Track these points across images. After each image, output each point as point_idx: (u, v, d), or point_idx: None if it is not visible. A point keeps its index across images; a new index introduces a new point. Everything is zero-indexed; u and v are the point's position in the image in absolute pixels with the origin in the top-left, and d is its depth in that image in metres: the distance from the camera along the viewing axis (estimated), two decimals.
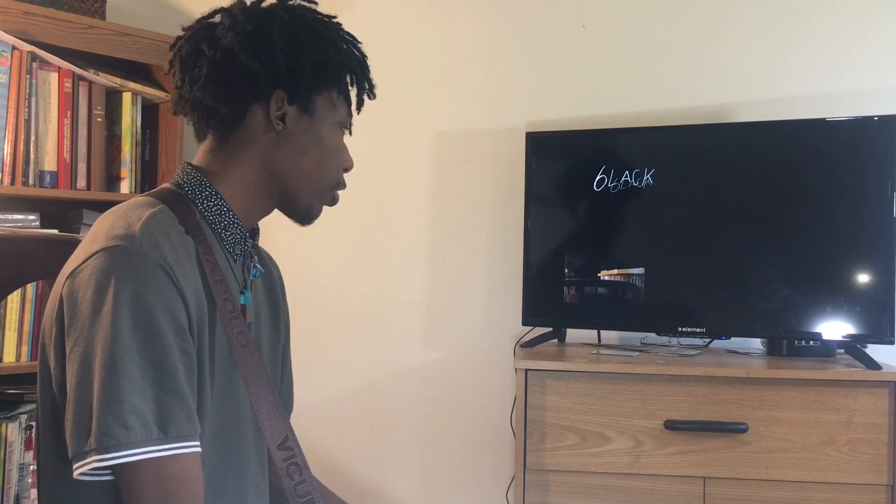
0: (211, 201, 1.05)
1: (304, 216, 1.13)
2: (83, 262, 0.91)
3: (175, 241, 0.95)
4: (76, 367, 0.88)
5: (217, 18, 1.08)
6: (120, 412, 0.85)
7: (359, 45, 1.13)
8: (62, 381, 0.91)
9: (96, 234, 0.94)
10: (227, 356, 1.01)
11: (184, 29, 1.09)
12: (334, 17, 1.12)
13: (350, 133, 1.16)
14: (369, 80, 1.14)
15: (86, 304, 0.89)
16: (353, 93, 1.13)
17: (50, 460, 0.96)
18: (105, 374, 0.86)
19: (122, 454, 0.85)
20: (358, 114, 1.15)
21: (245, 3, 1.08)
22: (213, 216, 1.04)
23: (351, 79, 1.12)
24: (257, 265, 1.12)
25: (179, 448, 0.88)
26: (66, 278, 0.92)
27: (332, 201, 1.14)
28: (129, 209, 0.97)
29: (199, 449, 0.91)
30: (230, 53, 1.03)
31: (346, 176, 1.15)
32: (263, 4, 1.08)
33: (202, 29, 1.07)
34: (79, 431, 0.87)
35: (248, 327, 1.05)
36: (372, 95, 1.15)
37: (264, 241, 1.24)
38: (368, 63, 1.14)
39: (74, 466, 0.87)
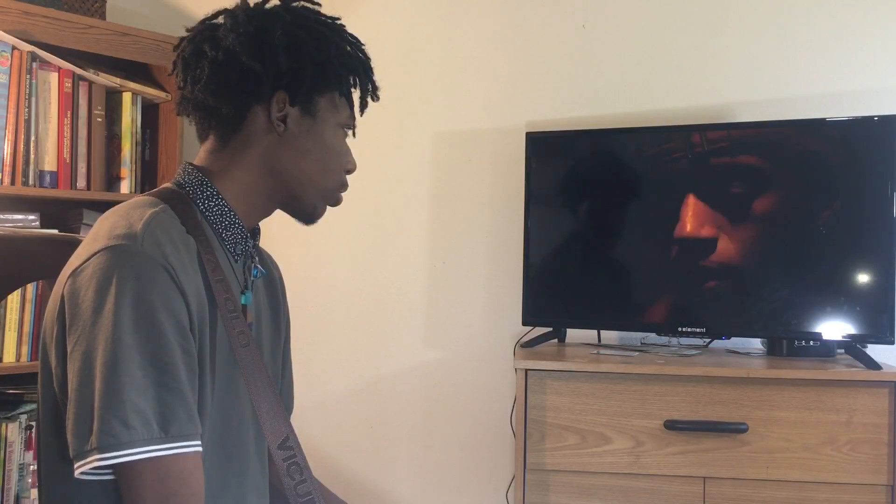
0: (212, 201, 1.05)
1: (307, 216, 1.13)
2: (85, 262, 0.91)
3: (176, 240, 0.95)
4: (77, 366, 0.88)
5: (220, 19, 1.08)
6: (121, 411, 0.85)
7: (362, 47, 1.13)
8: (63, 381, 0.91)
9: (98, 234, 0.94)
10: (227, 356, 1.01)
11: (187, 30, 1.09)
12: (338, 19, 1.11)
13: (354, 135, 1.16)
14: (373, 82, 1.14)
15: (87, 303, 0.89)
16: (356, 95, 1.13)
17: (51, 460, 0.96)
18: (106, 374, 0.86)
19: (124, 453, 0.85)
20: (361, 116, 1.15)
21: (248, 3, 1.08)
22: (214, 216, 1.05)
23: (354, 80, 1.12)
24: (258, 265, 1.12)
25: (181, 447, 0.88)
26: (68, 277, 0.92)
27: (336, 202, 1.14)
28: (131, 209, 0.97)
29: (200, 448, 0.91)
30: (231, 54, 1.03)
31: (347, 176, 1.15)
32: (266, 6, 1.08)
33: (205, 30, 1.07)
34: (80, 430, 0.87)
35: (249, 327, 1.05)
36: (375, 97, 1.14)
37: (264, 242, 1.24)
38: (372, 65, 1.14)
39: (76, 465, 0.87)
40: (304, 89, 1.05)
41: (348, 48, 1.10)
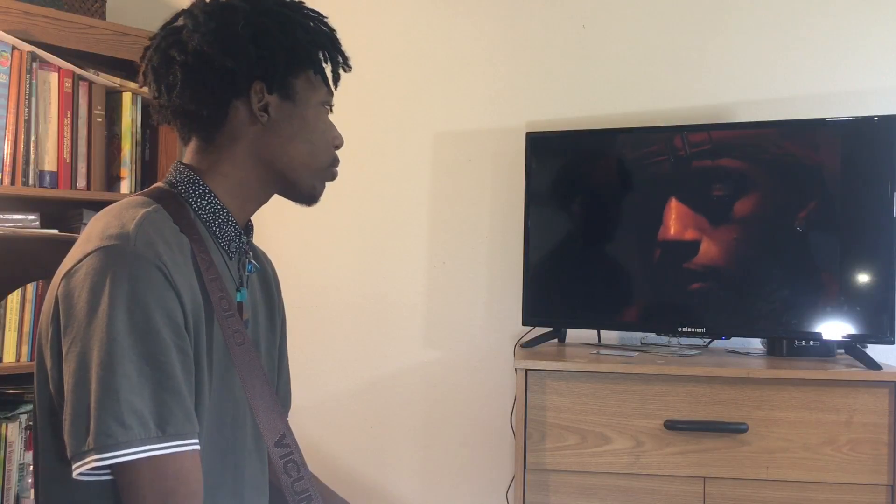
0: (204, 199, 1.05)
1: (307, 198, 1.13)
2: (78, 263, 0.91)
3: (170, 239, 0.95)
4: (73, 367, 0.88)
5: (180, 21, 1.07)
6: (118, 411, 0.85)
7: (325, 21, 1.12)
8: (59, 382, 0.91)
9: (90, 235, 0.94)
10: (223, 354, 1.01)
11: (150, 38, 1.09)
12: None
13: (332, 110, 1.15)
14: (342, 53, 1.12)
15: (81, 304, 0.89)
16: (328, 69, 1.12)
17: (48, 461, 0.96)
18: (102, 374, 0.86)
19: (121, 453, 0.85)
20: (336, 89, 1.14)
21: (204, 0, 1.07)
22: (206, 214, 1.04)
23: (324, 55, 1.10)
24: (252, 261, 1.12)
25: (178, 446, 0.88)
26: (62, 279, 0.92)
27: (332, 177, 1.14)
28: (123, 209, 0.97)
29: (197, 447, 0.91)
30: (201, 55, 1.02)
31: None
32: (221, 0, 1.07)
33: (168, 35, 1.06)
34: (77, 431, 0.87)
35: (245, 325, 1.05)
36: (347, 68, 1.13)
37: (264, 242, 1.24)
38: (338, 36, 1.12)
39: (73, 466, 0.87)
40: (278, 75, 1.05)
41: (311, 24, 1.09)
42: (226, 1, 1.06)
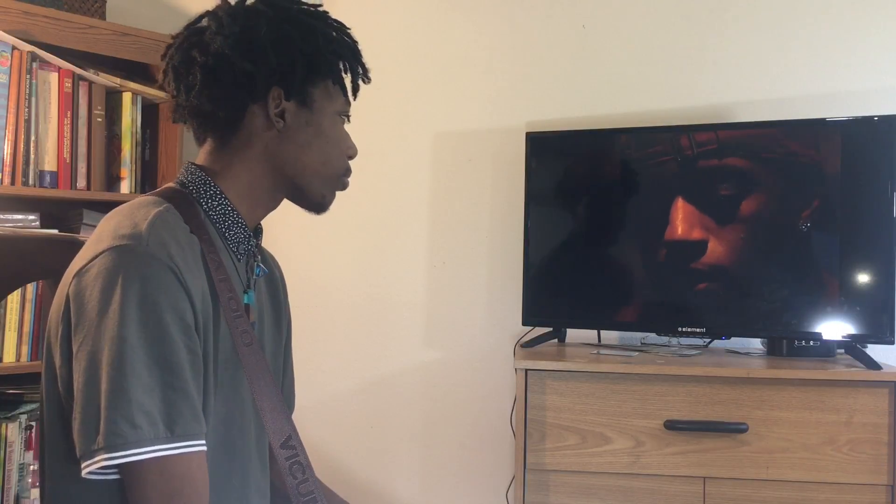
0: (215, 201, 1.05)
1: (317, 206, 1.13)
2: (90, 262, 0.91)
3: (181, 240, 0.96)
4: (83, 366, 0.88)
5: (204, 23, 1.07)
6: (128, 411, 0.86)
7: (348, 31, 1.12)
8: (69, 381, 0.91)
9: (102, 234, 0.94)
10: (230, 355, 1.01)
11: (172, 37, 1.09)
12: (319, 6, 1.11)
13: (349, 120, 1.15)
14: (362, 65, 1.13)
15: (93, 303, 0.89)
16: (347, 80, 1.13)
17: (56, 460, 0.96)
18: (113, 374, 0.86)
19: (130, 452, 0.86)
20: (354, 100, 1.15)
21: (229, 3, 1.08)
22: (217, 215, 1.05)
23: (344, 66, 1.11)
24: (260, 264, 1.12)
25: (186, 447, 0.89)
26: (73, 277, 0.92)
27: (343, 187, 1.14)
28: (135, 208, 0.97)
29: (204, 448, 0.91)
30: (222, 58, 1.03)
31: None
32: (247, 3, 1.07)
33: (191, 35, 1.07)
34: (87, 430, 0.87)
35: (252, 326, 1.05)
36: (367, 80, 1.14)
37: (265, 242, 1.24)
38: (360, 48, 1.13)
39: (83, 465, 0.87)
40: (297, 82, 1.05)
41: (334, 34, 1.10)
42: (251, 5, 1.07)
